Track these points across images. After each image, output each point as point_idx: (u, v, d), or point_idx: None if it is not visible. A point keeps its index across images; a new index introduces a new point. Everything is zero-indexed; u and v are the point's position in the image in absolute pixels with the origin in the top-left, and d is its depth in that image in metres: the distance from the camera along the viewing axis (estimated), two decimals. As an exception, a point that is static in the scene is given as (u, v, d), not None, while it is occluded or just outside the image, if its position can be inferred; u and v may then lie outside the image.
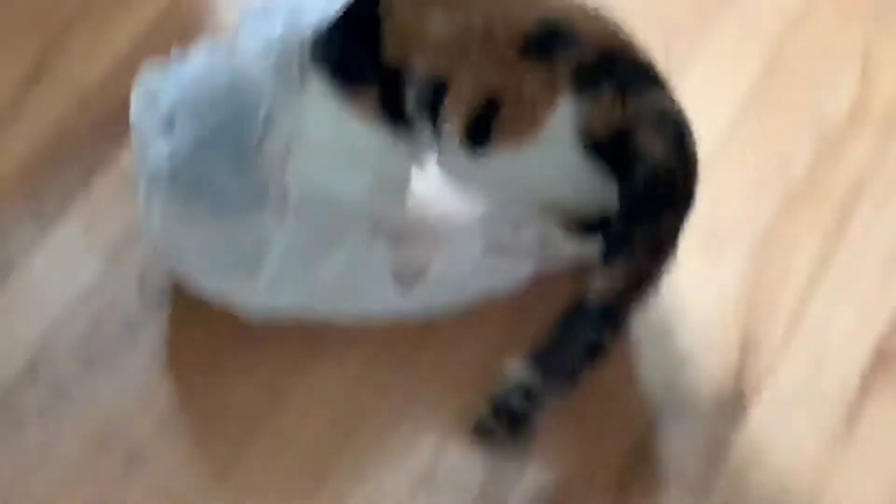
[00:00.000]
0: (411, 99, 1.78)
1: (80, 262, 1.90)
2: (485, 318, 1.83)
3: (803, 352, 1.80)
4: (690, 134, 1.73)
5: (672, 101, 1.75)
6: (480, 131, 1.74)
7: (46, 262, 1.90)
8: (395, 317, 1.82)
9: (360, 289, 1.83)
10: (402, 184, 1.87)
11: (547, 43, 1.72)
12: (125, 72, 1.93)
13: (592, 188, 1.76)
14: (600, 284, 1.66)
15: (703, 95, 2.00)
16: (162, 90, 1.86)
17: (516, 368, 1.66)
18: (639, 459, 1.73)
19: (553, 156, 1.74)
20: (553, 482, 1.73)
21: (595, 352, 1.66)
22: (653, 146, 1.69)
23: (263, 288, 1.81)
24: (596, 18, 1.77)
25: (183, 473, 1.74)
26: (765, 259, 1.88)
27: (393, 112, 1.80)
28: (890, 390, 1.77)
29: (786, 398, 1.77)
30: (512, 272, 1.85)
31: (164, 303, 1.87)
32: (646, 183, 1.69)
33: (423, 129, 1.79)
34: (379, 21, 1.78)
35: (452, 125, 1.74)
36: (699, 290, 1.86)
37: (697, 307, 1.84)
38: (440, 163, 1.83)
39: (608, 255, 1.68)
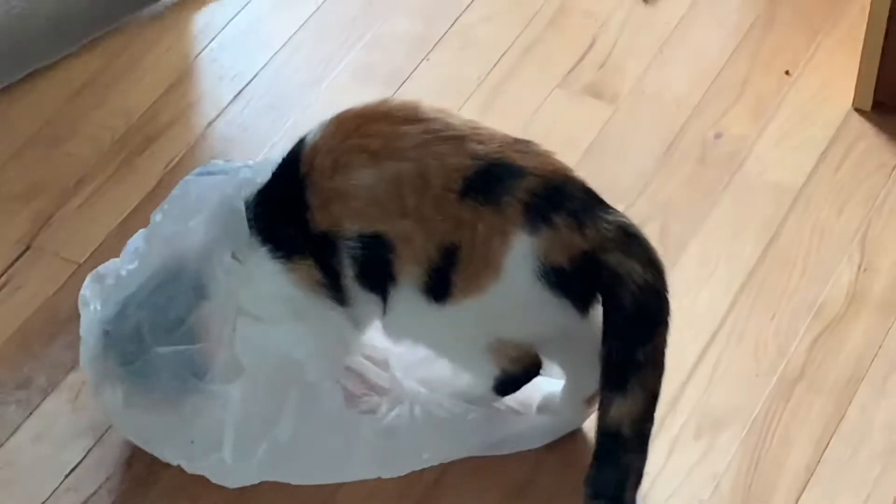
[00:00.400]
0: (348, 265, 1.75)
1: (67, 441, 1.87)
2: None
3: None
4: (647, 242, 1.72)
5: (622, 215, 1.73)
6: (440, 284, 1.73)
7: (33, 442, 1.87)
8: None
9: (318, 450, 1.82)
10: (345, 348, 1.85)
11: (489, 183, 1.70)
12: (116, 247, 1.92)
13: (556, 320, 1.76)
14: (626, 411, 1.68)
15: (700, 277, 2.02)
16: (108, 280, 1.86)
17: None
18: None
19: (515, 295, 1.73)
20: None
21: (641, 475, 1.71)
22: (629, 267, 1.68)
23: (229, 461, 1.79)
24: (527, 151, 1.74)
25: None
26: (760, 446, 1.86)
27: (333, 280, 1.77)
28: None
29: None
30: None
31: (151, 478, 1.83)
32: (637, 306, 1.68)
33: (362, 295, 1.77)
34: (302, 188, 1.75)
35: (406, 282, 1.73)
36: (694, 476, 1.84)
37: (691, 494, 1.83)
38: (387, 324, 1.80)
39: (619, 383, 1.69)
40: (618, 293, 1.69)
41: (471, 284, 1.71)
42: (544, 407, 1.88)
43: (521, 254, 1.69)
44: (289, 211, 1.76)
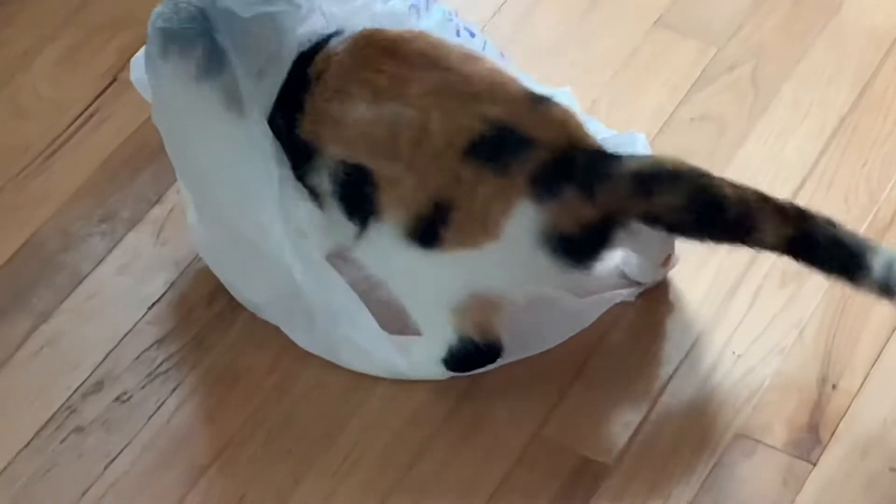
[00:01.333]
0: (325, 180, 1.74)
1: (149, 275, 1.91)
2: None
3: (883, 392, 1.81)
4: (669, 167, 1.71)
5: (636, 159, 1.73)
6: (428, 233, 1.71)
7: (116, 273, 1.91)
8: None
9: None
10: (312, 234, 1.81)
11: (497, 148, 1.68)
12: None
13: (550, 280, 1.76)
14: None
15: (791, 121, 2.04)
16: None
17: None
18: (710, 485, 1.74)
19: (512, 257, 1.73)
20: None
21: None
22: (661, 205, 1.69)
23: (312, 332, 1.83)
24: (543, 114, 1.71)
25: (246, 490, 1.75)
26: (846, 295, 1.86)
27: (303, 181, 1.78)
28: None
29: (861, 437, 1.77)
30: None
31: (232, 319, 1.87)
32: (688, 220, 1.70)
33: (336, 213, 1.76)
34: (304, 88, 1.74)
35: (390, 220, 1.71)
36: (777, 323, 1.87)
37: (776, 339, 1.85)
38: (361, 250, 1.78)
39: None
40: (662, 223, 1.71)
41: (463, 239, 1.71)
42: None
43: (524, 222, 1.68)
44: (287, 98, 1.76)
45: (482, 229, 1.70)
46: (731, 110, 2.04)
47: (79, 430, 1.78)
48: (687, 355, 1.83)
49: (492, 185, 1.67)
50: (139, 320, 1.87)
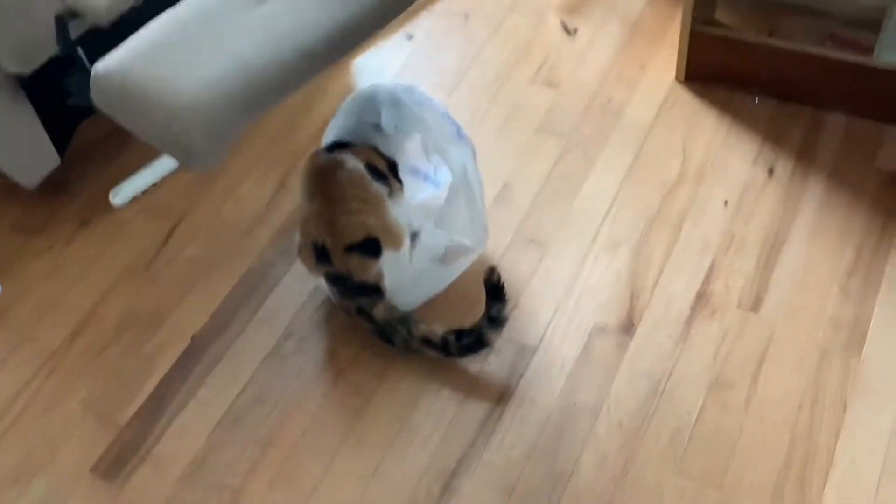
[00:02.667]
0: None
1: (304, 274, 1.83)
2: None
3: (661, 296, 1.83)
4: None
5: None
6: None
7: (291, 273, 1.90)
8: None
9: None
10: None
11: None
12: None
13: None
14: None
15: (605, 171, 2.01)
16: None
17: None
18: (586, 350, 1.73)
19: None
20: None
21: None
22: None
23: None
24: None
25: (362, 381, 1.75)
26: (639, 254, 1.89)
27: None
28: (706, 312, 1.78)
29: (653, 323, 1.79)
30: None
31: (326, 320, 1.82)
32: None
33: None
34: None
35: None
36: (610, 267, 1.86)
37: (607, 279, 1.85)
38: None
39: None
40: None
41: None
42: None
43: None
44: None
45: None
46: (577, 170, 2.03)
47: (283, 357, 1.79)
48: (568, 289, 1.84)
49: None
50: (304, 301, 1.85)
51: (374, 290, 1.72)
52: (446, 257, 1.82)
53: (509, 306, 1.67)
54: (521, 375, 1.71)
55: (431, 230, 1.78)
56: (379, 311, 1.72)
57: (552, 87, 2.18)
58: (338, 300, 1.75)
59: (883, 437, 1.58)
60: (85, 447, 1.69)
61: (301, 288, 1.85)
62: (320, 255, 1.71)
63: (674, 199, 1.95)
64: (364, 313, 1.72)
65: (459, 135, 1.85)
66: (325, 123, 2.13)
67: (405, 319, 1.72)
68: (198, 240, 1.97)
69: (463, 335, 1.69)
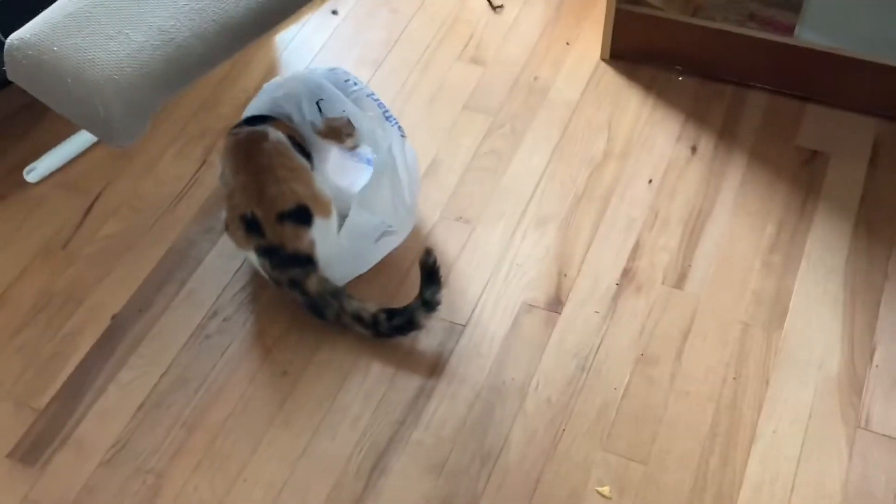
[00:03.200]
0: None
1: (236, 255, 1.84)
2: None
3: (588, 273, 1.83)
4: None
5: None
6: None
7: (216, 257, 1.86)
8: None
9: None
10: None
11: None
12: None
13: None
14: None
15: (533, 149, 2.01)
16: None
17: None
18: (513, 328, 1.73)
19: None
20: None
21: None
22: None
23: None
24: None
25: (291, 358, 1.72)
26: (567, 230, 1.89)
27: None
28: (632, 288, 1.80)
29: (581, 299, 1.80)
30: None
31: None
32: None
33: None
34: None
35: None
36: (537, 245, 1.86)
37: (535, 256, 1.85)
38: None
39: None
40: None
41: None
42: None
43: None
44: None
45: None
46: (504, 146, 2.04)
47: (207, 336, 1.76)
48: (495, 266, 1.84)
49: None
50: (230, 280, 1.83)
51: (307, 261, 1.69)
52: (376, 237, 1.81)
53: (442, 290, 1.65)
54: (451, 353, 1.71)
55: (357, 209, 1.76)
56: (311, 283, 1.69)
57: (478, 65, 2.17)
58: (269, 273, 1.72)
59: (804, 410, 1.62)
60: (1, 432, 1.64)
61: (226, 266, 1.82)
62: (250, 227, 1.68)
63: (600, 176, 1.95)
64: (296, 285, 1.69)
65: (385, 116, 1.84)
66: (248, 98, 2.09)
67: (338, 293, 1.68)
68: (117, 217, 1.92)
69: (394, 315, 1.67)
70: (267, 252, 1.69)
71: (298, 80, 1.84)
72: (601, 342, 1.72)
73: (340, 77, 1.87)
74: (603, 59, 2.15)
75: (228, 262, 1.83)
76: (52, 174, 1.97)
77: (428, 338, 1.73)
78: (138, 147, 2.01)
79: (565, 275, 1.81)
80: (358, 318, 1.69)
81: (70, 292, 1.81)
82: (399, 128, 1.85)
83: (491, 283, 1.80)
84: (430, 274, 1.65)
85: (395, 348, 1.71)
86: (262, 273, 1.75)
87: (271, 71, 2.17)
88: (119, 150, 1.98)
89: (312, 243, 1.69)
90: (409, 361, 1.70)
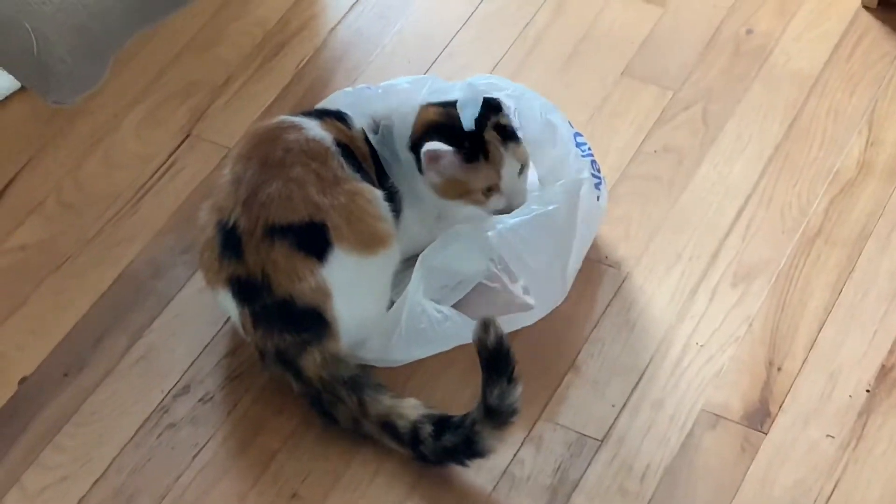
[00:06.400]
0: None
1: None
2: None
3: (817, 368, 1.79)
4: None
5: None
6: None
7: (197, 294, 1.87)
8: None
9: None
10: None
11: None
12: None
13: None
14: None
15: (735, 150, 2.02)
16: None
17: None
18: (683, 452, 1.72)
19: None
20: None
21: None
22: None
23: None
24: None
25: (310, 469, 1.71)
26: (786, 291, 1.87)
27: None
28: (893, 399, 1.75)
29: (804, 412, 1.76)
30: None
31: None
32: None
33: None
34: None
35: None
36: (731, 317, 1.85)
37: (731, 330, 1.83)
38: None
39: None
40: None
41: None
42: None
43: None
44: None
45: None
46: (687, 143, 2.02)
47: (171, 426, 1.75)
48: (658, 347, 1.82)
49: None
50: (216, 334, 1.83)
51: (308, 320, 1.68)
52: (470, 302, 1.80)
53: (518, 388, 1.62)
54: (575, 487, 1.67)
55: (448, 247, 1.77)
56: (310, 363, 1.67)
57: (655, 3, 2.17)
58: (247, 331, 1.72)
59: None
60: None
61: (210, 308, 1.82)
62: (227, 244, 1.68)
63: (849, 204, 1.93)
64: (286, 362, 1.69)
65: (577, 143, 1.86)
66: (267, 35, 2.15)
67: (356, 383, 1.68)
68: (39, 217, 1.94)
69: (446, 428, 1.63)
70: (243, 290, 1.68)
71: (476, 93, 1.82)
72: (836, 486, 1.66)
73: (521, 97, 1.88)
74: (866, 7, 2.13)
75: (216, 303, 1.83)
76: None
77: (538, 457, 1.69)
78: (85, 105, 2.02)
79: (779, 368, 1.77)
80: (387, 426, 1.66)
81: (-50, 337, 1.85)
82: (594, 164, 1.85)
83: (651, 371, 1.78)
84: (496, 360, 1.59)
85: (475, 477, 1.67)
86: (241, 332, 1.75)
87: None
88: (54, 108, 1.98)
89: (324, 292, 1.68)
90: (504, 495, 1.66)
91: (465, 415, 1.63)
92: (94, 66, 1.41)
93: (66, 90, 1.40)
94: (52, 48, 1.39)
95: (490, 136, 1.72)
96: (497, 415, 1.60)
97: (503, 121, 1.75)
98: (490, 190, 1.74)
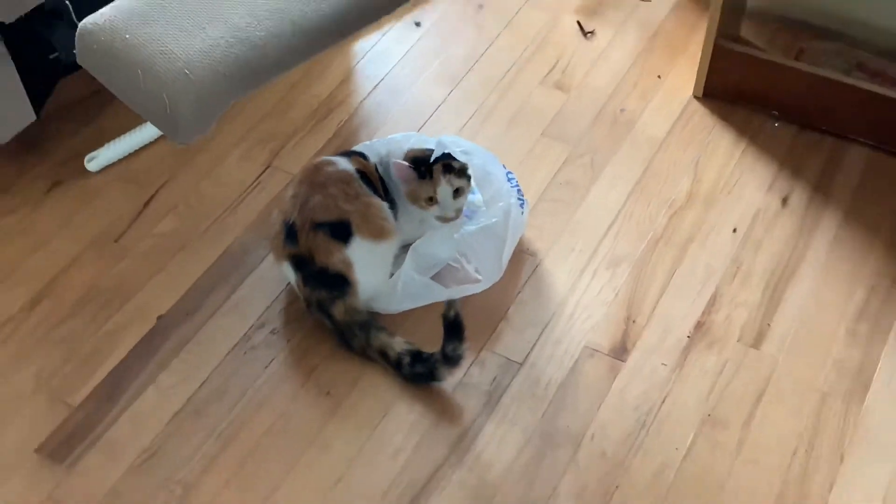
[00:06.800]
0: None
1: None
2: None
3: (659, 321, 1.79)
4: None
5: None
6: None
7: (270, 267, 1.83)
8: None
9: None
10: None
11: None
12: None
13: None
14: None
15: (611, 184, 1.99)
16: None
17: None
18: (573, 371, 1.69)
19: None
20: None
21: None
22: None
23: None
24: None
25: (334, 381, 1.70)
26: (640, 274, 1.86)
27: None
28: (705, 343, 1.75)
29: (648, 349, 1.75)
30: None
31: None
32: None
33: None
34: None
35: None
36: (604, 290, 1.83)
37: (602, 299, 1.82)
38: None
39: None
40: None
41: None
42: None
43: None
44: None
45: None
46: (580, 180, 2.00)
47: (252, 348, 1.74)
48: (558, 306, 1.81)
49: None
50: (281, 291, 1.82)
51: (337, 283, 1.68)
52: (442, 276, 1.79)
53: (465, 345, 1.63)
54: (504, 392, 1.67)
55: (426, 242, 1.77)
56: (338, 310, 1.68)
57: (563, 91, 2.14)
58: (301, 291, 1.72)
59: (879, 493, 1.55)
60: (33, 425, 1.63)
61: (278, 277, 1.79)
62: (288, 235, 1.70)
63: (681, 220, 1.91)
64: (323, 309, 1.69)
65: (508, 178, 1.87)
66: (321, 104, 2.12)
67: (366, 325, 1.68)
68: (174, 215, 1.92)
69: (417, 361, 1.65)
70: (298, 263, 1.69)
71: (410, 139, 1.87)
72: (666, 397, 1.66)
73: (461, 144, 1.86)
74: (695, 97, 2.11)
75: (281, 273, 1.82)
76: (112, 165, 1.99)
77: (481, 373, 1.69)
78: (203, 144, 2.02)
79: (634, 321, 1.77)
80: (383, 354, 1.68)
81: (118, 288, 1.81)
82: (520, 192, 1.84)
83: (553, 321, 1.77)
84: (452, 327, 1.62)
85: (445, 381, 1.68)
86: (297, 291, 1.74)
87: (347, 78, 2.17)
88: (182, 146, 1.99)
89: (348, 264, 1.68)
90: (458, 396, 1.66)
91: (431, 353, 1.65)
92: (205, 121, 1.41)
93: (186, 136, 1.40)
94: (178, 109, 1.38)
95: (436, 167, 1.75)
96: (450, 360, 1.65)
97: (451, 162, 1.77)
98: (430, 200, 1.75)
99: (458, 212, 1.77)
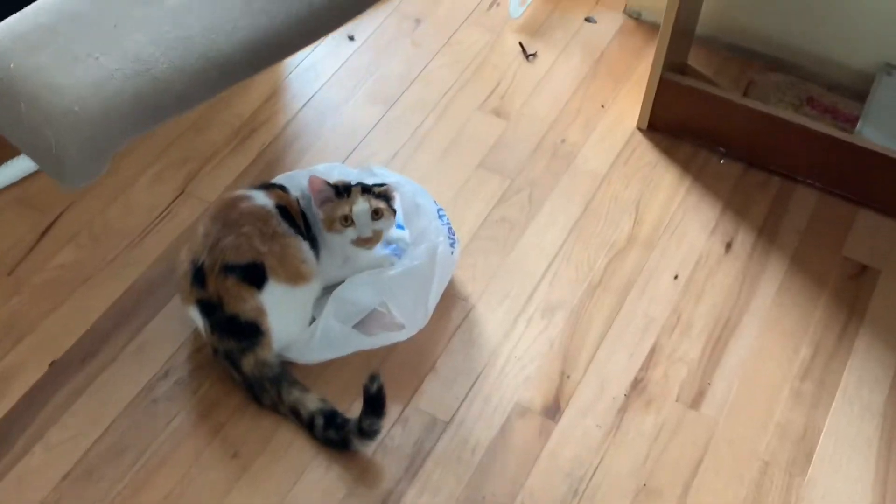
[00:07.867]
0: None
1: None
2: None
3: (594, 377, 1.65)
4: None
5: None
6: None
7: (178, 306, 1.67)
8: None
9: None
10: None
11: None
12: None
13: None
14: None
15: (548, 223, 1.85)
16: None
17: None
18: (501, 431, 1.56)
19: None
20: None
21: None
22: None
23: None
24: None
25: (243, 439, 1.55)
26: (577, 322, 1.72)
27: None
28: (642, 402, 1.62)
29: (582, 408, 1.61)
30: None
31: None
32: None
33: None
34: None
35: None
36: (539, 339, 1.69)
37: (536, 350, 1.68)
38: None
39: None
40: None
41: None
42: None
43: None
44: None
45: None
46: (517, 216, 1.87)
47: (153, 401, 1.58)
48: (489, 357, 1.67)
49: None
50: (188, 337, 1.65)
51: (248, 332, 1.52)
52: (366, 322, 1.64)
53: (382, 420, 1.49)
54: (428, 454, 1.52)
55: (349, 287, 1.61)
56: (248, 363, 1.52)
57: (501, 117, 1.99)
58: (208, 336, 1.55)
59: (821, 574, 1.43)
60: None
61: (186, 318, 1.65)
62: (197, 276, 1.53)
63: (621, 264, 1.78)
64: (232, 360, 1.53)
65: (439, 215, 1.72)
66: (243, 124, 1.94)
67: (277, 379, 1.53)
68: (75, 245, 1.74)
69: (330, 425, 1.50)
70: (206, 308, 1.53)
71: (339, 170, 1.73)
72: (600, 463, 1.53)
73: (387, 176, 1.73)
74: (639, 129, 1.98)
75: (189, 315, 1.64)
76: (8, 187, 1.79)
77: (403, 433, 1.54)
78: (111, 166, 1.78)
79: (568, 376, 1.63)
80: (295, 412, 1.52)
81: (9, 327, 1.62)
82: (450, 230, 1.70)
83: (484, 374, 1.62)
84: (373, 401, 1.48)
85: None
86: (203, 335, 1.57)
87: (273, 95, 1.99)
88: (70, 192, 1.78)
89: (260, 311, 1.52)
90: (379, 458, 1.51)
91: (347, 420, 1.51)
92: (96, 162, 1.23)
93: (74, 180, 1.22)
94: (65, 149, 1.20)
95: (355, 187, 1.62)
96: (365, 434, 1.51)
97: (371, 185, 1.64)
98: (346, 219, 1.59)
99: (378, 234, 1.61)
